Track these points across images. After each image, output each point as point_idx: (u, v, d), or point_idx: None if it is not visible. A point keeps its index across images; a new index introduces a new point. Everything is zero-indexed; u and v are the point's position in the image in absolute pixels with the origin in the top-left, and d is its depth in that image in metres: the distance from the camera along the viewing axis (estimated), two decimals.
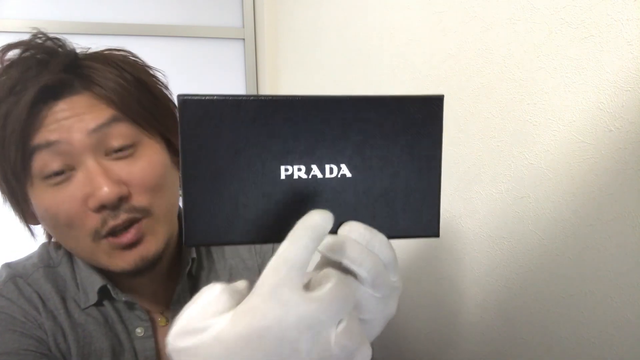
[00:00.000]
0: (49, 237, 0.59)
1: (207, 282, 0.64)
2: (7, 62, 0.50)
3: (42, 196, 0.50)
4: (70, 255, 0.60)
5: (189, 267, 0.61)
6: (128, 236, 0.50)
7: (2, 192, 0.53)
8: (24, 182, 0.50)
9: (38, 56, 0.50)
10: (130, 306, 0.58)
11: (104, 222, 0.49)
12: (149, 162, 0.53)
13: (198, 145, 0.28)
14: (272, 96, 0.28)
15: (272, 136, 0.28)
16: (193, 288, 0.63)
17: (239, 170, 0.28)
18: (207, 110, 0.27)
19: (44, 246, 0.62)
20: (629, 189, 0.46)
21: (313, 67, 1.23)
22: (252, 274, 0.68)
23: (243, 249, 0.70)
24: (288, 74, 1.45)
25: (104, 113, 0.51)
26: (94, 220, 0.50)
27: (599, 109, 0.48)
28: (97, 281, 0.56)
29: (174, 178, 0.57)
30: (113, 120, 0.51)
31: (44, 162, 0.48)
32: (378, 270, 0.30)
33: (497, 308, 0.64)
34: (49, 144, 0.48)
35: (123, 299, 0.57)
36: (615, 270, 0.48)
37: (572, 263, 0.52)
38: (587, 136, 0.49)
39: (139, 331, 0.58)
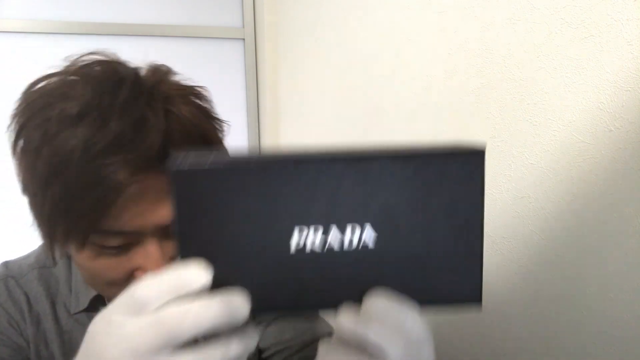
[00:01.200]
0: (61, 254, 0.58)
1: None
2: (98, 101, 0.42)
3: (87, 257, 0.46)
4: (69, 258, 0.60)
5: None
6: None
7: (37, 223, 0.46)
8: (70, 242, 0.44)
9: (134, 118, 0.42)
10: None
11: None
12: None
13: (193, 220, 0.25)
14: (276, 157, 0.25)
15: (278, 203, 0.24)
16: None
17: (241, 243, 0.25)
18: (201, 181, 0.24)
19: (42, 246, 0.61)
20: (629, 189, 0.46)
21: (313, 67, 1.23)
22: None
23: None
24: (288, 74, 1.45)
25: None
26: (133, 282, 0.48)
27: (599, 109, 0.48)
28: (92, 290, 0.56)
29: None
30: None
31: (107, 240, 0.44)
32: (410, 353, 0.26)
33: (497, 308, 0.64)
34: (121, 233, 0.43)
35: None
36: (615, 270, 0.48)
37: (572, 263, 0.52)
38: (587, 136, 0.49)
39: None
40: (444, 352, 0.76)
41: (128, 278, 0.47)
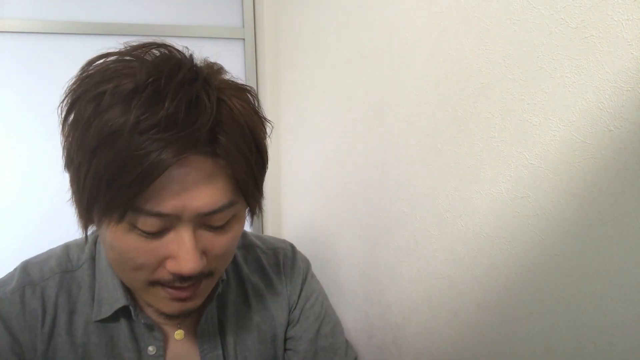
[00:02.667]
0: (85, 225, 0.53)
1: (236, 302, 0.65)
2: (154, 77, 0.43)
3: (123, 238, 0.46)
4: (93, 260, 0.59)
5: (218, 291, 0.61)
6: (184, 294, 0.50)
7: (75, 198, 0.47)
8: (106, 218, 0.44)
9: (188, 99, 0.43)
10: (149, 327, 0.58)
11: (172, 282, 0.48)
12: (234, 236, 0.51)
13: None
14: None
15: None
16: (220, 308, 0.64)
17: None
18: None
19: (65, 248, 0.60)
20: (629, 189, 0.46)
21: (313, 67, 1.23)
22: (280, 298, 0.68)
23: (272, 272, 0.69)
24: (288, 74, 1.45)
25: (221, 196, 0.46)
26: (162, 274, 0.48)
27: (599, 109, 0.48)
28: (120, 299, 0.55)
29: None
30: (229, 206, 0.47)
31: (143, 222, 0.44)
32: None
33: (497, 308, 0.64)
34: (159, 215, 0.44)
35: (143, 321, 0.57)
36: (615, 270, 0.48)
37: (572, 263, 0.52)
38: (587, 136, 0.49)
39: (151, 349, 0.58)
40: (444, 351, 0.76)
41: (157, 266, 0.48)
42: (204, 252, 0.48)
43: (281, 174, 1.58)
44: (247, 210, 0.53)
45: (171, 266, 0.47)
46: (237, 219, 0.51)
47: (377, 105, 0.90)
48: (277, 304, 0.68)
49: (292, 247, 0.75)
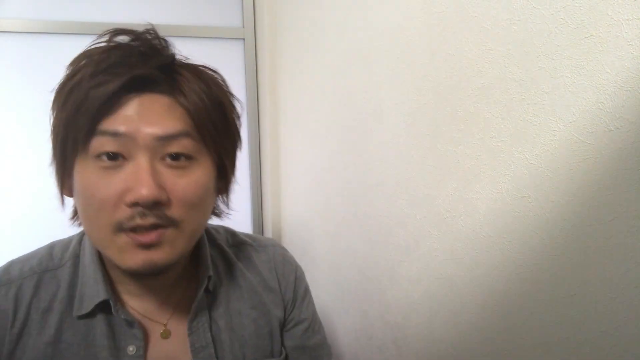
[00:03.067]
0: (74, 214, 0.58)
1: (227, 297, 0.65)
2: (114, 44, 0.52)
3: (87, 174, 0.50)
4: (77, 257, 0.59)
5: (205, 285, 0.61)
6: (148, 237, 0.50)
7: (54, 156, 0.54)
8: (77, 154, 0.51)
9: (142, 49, 0.52)
10: (129, 324, 0.57)
11: (132, 218, 0.49)
12: (196, 181, 0.53)
13: None
14: None
15: None
16: (213, 305, 0.63)
17: None
18: None
19: (50, 247, 0.61)
20: (629, 189, 0.46)
21: (313, 67, 1.23)
22: (274, 293, 0.69)
23: (264, 268, 0.70)
24: (288, 74, 1.45)
25: (176, 124, 0.51)
26: (122, 213, 0.49)
27: (599, 109, 0.48)
28: (100, 293, 0.56)
29: (211, 200, 0.58)
30: (183, 134, 0.52)
31: (103, 143, 0.49)
32: None
33: (497, 308, 0.64)
34: (115, 134, 0.49)
35: (122, 316, 0.56)
36: (615, 270, 0.48)
37: (572, 263, 0.52)
38: (587, 136, 0.49)
39: (131, 349, 0.57)
40: (444, 352, 0.76)
41: (117, 203, 0.49)
42: (163, 188, 0.50)
43: (281, 174, 1.58)
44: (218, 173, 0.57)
45: (128, 196, 0.49)
46: (201, 165, 0.54)
47: (377, 105, 0.90)
48: (271, 299, 0.68)
49: (281, 245, 0.77)
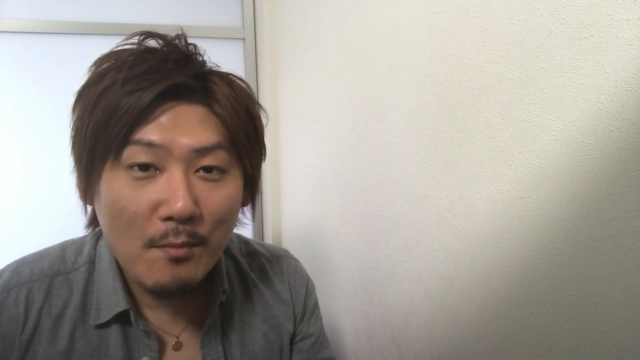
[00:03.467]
0: (91, 222, 0.57)
1: (241, 311, 0.64)
2: (145, 48, 0.50)
3: (117, 185, 0.48)
4: (92, 263, 0.57)
5: (219, 300, 0.60)
6: (179, 252, 0.49)
7: (79, 162, 0.51)
8: (106, 162, 0.48)
9: (176, 55, 0.50)
10: (146, 334, 0.56)
11: (166, 235, 0.48)
12: (228, 195, 0.52)
13: None
14: None
15: None
16: (225, 318, 0.62)
17: None
18: None
19: (62, 248, 0.59)
20: (629, 189, 0.46)
21: (313, 67, 1.23)
22: (285, 306, 0.68)
23: (277, 280, 0.69)
24: (288, 74, 1.45)
25: (213, 135, 0.50)
26: (155, 228, 0.48)
27: (599, 109, 0.48)
28: (120, 303, 0.54)
29: (237, 213, 0.56)
30: (218, 146, 0.50)
31: (136, 153, 0.47)
32: None
33: (497, 308, 0.64)
34: (149, 144, 0.47)
35: (142, 327, 0.55)
36: (615, 270, 0.48)
37: (572, 263, 0.52)
38: (587, 136, 0.49)
39: None
40: (444, 352, 0.76)
41: (149, 217, 0.48)
42: (196, 202, 0.49)
43: (281, 174, 1.58)
44: (245, 188, 0.56)
45: (162, 210, 0.47)
46: (233, 178, 0.53)
47: (377, 105, 0.90)
48: (283, 312, 0.67)
49: (294, 257, 0.76)
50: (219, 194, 0.51)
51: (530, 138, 0.56)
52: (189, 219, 0.48)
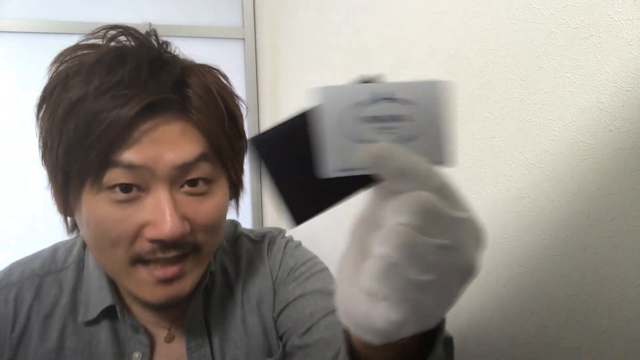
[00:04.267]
0: (74, 227, 0.55)
1: (221, 295, 0.61)
2: (112, 50, 0.47)
3: (99, 207, 0.46)
4: (81, 261, 0.57)
5: (204, 283, 0.58)
6: (170, 271, 0.47)
7: (53, 178, 0.49)
8: (84, 183, 0.46)
9: (148, 60, 0.47)
10: (134, 329, 0.55)
11: (152, 252, 0.46)
12: (217, 204, 0.51)
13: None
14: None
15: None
16: (207, 302, 0.60)
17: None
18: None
19: (54, 249, 0.59)
20: (629, 189, 0.46)
21: (313, 67, 1.23)
22: (268, 290, 0.63)
23: (257, 259, 0.65)
24: (288, 74, 1.45)
25: (194, 148, 0.47)
26: (141, 246, 0.46)
27: (599, 109, 0.48)
28: (106, 299, 0.54)
29: (226, 216, 0.55)
30: (201, 158, 0.48)
31: (116, 176, 0.45)
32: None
33: (497, 308, 0.64)
34: (130, 166, 0.45)
35: (129, 322, 0.54)
36: (615, 270, 0.48)
37: (572, 263, 0.52)
38: (587, 136, 0.49)
39: (137, 356, 0.55)
40: None
41: (135, 237, 0.46)
42: (185, 219, 0.47)
43: None
44: (230, 191, 0.54)
45: (150, 232, 0.45)
46: (219, 187, 0.51)
47: None
48: (263, 288, 0.63)
49: (278, 229, 0.71)
50: (207, 206, 0.49)
51: (530, 138, 0.56)
52: (180, 237, 0.46)
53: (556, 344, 0.55)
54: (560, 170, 0.53)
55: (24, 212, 1.51)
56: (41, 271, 0.56)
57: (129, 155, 0.44)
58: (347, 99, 0.30)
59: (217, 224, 0.52)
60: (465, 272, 0.28)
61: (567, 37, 0.51)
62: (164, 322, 0.58)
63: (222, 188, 0.52)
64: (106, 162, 0.44)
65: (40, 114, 0.48)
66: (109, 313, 0.54)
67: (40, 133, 0.48)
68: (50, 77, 0.48)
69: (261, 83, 1.65)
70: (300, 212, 0.31)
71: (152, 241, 0.46)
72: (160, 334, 0.58)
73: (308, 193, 0.31)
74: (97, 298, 0.54)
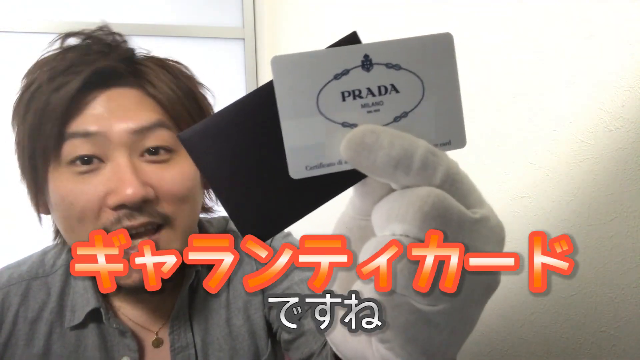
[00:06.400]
0: (56, 233, 0.55)
1: (206, 294, 0.59)
2: (66, 47, 0.49)
3: (63, 182, 0.47)
4: (69, 266, 0.56)
5: (190, 282, 0.57)
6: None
7: (23, 171, 0.51)
8: (48, 164, 0.47)
9: (98, 46, 0.49)
10: (121, 333, 0.53)
11: (118, 221, 0.46)
12: (182, 172, 0.50)
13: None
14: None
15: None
16: (192, 302, 0.59)
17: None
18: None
19: (43, 253, 0.58)
20: (629, 189, 0.46)
21: None
22: (252, 292, 0.61)
23: (246, 263, 0.63)
24: None
25: (150, 115, 0.49)
26: (107, 217, 0.46)
27: (599, 109, 0.48)
28: (90, 302, 0.52)
29: (200, 193, 0.54)
30: (158, 125, 0.49)
31: (75, 147, 0.46)
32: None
33: (497, 308, 0.64)
34: (86, 134, 0.46)
35: (114, 325, 0.53)
36: (615, 270, 0.48)
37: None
38: (587, 136, 0.49)
39: None
40: None
41: (99, 209, 0.46)
42: (149, 185, 0.47)
43: None
44: None
45: (111, 199, 0.45)
46: (182, 157, 0.51)
47: None
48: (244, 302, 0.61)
49: None
50: (172, 173, 0.49)
51: (530, 138, 0.56)
52: (143, 203, 0.46)
53: (556, 344, 0.55)
54: (560, 170, 0.53)
55: (23, 211, 1.51)
56: (29, 275, 0.55)
57: (84, 124, 0.46)
58: (309, 70, 0.23)
59: (187, 193, 0.51)
60: (489, 286, 0.22)
61: (567, 37, 0.51)
62: (152, 325, 0.57)
63: (187, 158, 0.51)
64: (62, 134, 0.46)
65: (13, 123, 0.50)
66: (95, 317, 0.53)
67: (15, 136, 0.50)
68: (21, 88, 0.50)
69: (261, 83, 1.65)
70: (258, 227, 0.24)
71: (116, 208, 0.46)
72: (148, 338, 0.56)
73: (266, 202, 0.24)
74: (82, 301, 0.53)
